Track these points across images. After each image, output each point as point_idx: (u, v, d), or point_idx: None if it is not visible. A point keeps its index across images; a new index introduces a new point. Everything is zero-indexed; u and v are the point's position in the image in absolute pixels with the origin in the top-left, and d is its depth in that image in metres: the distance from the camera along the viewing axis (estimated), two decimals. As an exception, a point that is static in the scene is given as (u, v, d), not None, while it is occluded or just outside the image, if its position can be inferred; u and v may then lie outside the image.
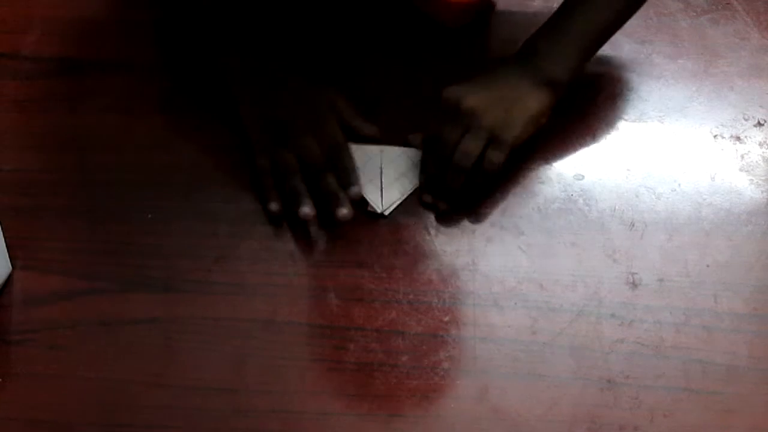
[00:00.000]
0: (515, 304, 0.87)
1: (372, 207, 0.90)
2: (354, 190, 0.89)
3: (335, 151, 0.90)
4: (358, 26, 1.02)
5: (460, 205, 0.91)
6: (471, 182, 0.89)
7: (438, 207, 0.91)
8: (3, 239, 0.86)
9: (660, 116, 0.98)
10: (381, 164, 0.92)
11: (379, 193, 0.91)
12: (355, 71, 0.99)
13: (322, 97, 0.92)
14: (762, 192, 0.94)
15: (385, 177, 0.91)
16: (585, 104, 0.99)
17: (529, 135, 0.89)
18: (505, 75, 0.90)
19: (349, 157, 0.90)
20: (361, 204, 0.90)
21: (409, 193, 0.92)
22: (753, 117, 0.99)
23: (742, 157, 0.96)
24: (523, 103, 0.89)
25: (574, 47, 0.91)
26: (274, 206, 0.90)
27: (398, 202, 0.91)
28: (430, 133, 0.90)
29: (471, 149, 0.87)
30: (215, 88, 0.96)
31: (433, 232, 0.91)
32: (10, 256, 0.87)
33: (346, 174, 0.89)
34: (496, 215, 0.92)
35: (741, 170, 0.95)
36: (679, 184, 0.94)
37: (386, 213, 0.90)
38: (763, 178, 0.95)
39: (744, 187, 0.94)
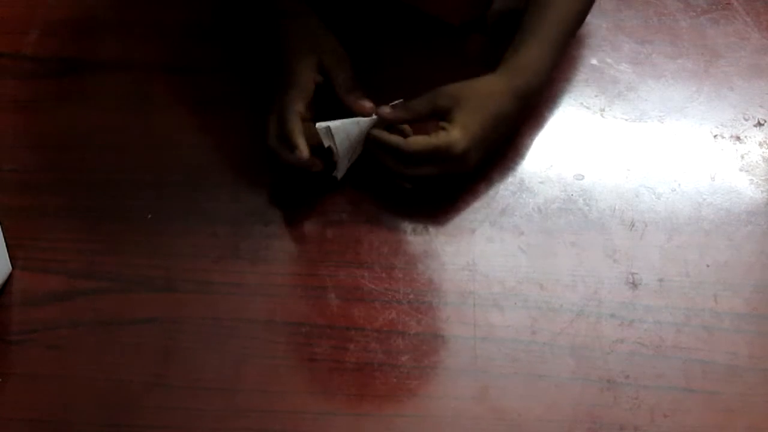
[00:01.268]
0: (515, 304, 0.87)
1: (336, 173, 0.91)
2: (299, 154, 0.88)
3: (283, 128, 0.89)
4: (359, 25, 1.02)
5: (458, 205, 0.92)
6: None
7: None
8: (3, 239, 0.86)
9: (660, 116, 0.99)
10: (350, 139, 0.90)
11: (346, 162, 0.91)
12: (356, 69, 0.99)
13: (309, 60, 0.91)
14: (762, 192, 0.94)
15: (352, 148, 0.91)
16: (584, 104, 0.99)
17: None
18: (497, 97, 0.90)
19: (294, 137, 0.88)
20: (328, 168, 0.90)
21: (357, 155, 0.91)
22: (753, 117, 0.99)
23: (742, 157, 0.96)
24: (502, 132, 0.92)
25: (553, 61, 0.94)
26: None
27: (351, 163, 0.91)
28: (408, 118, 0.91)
29: (422, 148, 0.88)
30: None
31: (433, 232, 0.91)
32: (10, 256, 0.87)
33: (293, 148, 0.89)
34: (496, 215, 0.92)
35: (741, 170, 0.95)
36: (679, 184, 0.94)
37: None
38: (763, 178, 0.95)
39: (744, 187, 0.94)
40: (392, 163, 0.90)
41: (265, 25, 0.96)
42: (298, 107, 0.89)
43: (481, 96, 0.90)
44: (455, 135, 0.88)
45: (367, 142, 0.90)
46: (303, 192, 0.92)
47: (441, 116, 0.89)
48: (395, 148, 0.89)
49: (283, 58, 0.92)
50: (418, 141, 0.88)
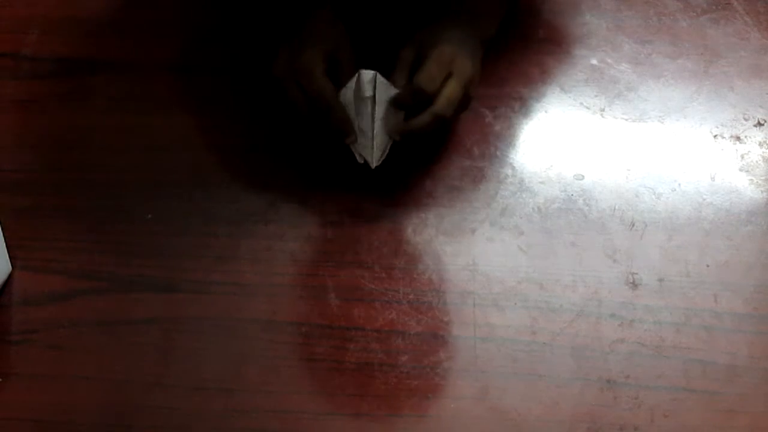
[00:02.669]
0: (515, 304, 0.87)
1: (363, 159, 0.90)
2: (348, 140, 0.89)
3: (321, 105, 0.88)
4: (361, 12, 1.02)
5: (460, 205, 0.92)
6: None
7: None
8: (3, 239, 0.86)
9: (660, 116, 0.98)
10: (373, 113, 0.89)
11: (371, 145, 0.89)
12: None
13: (321, 47, 0.90)
14: (762, 192, 0.94)
15: (376, 127, 0.89)
16: (584, 104, 0.99)
17: None
18: (466, 37, 0.91)
19: (337, 110, 0.88)
20: (349, 154, 0.90)
21: (392, 141, 0.90)
22: (753, 117, 0.99)
23: (742, 157, 0.96)
24: (479, 67, 0.91)
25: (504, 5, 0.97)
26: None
27: (387, 152, 0.90)
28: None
29: (455, 98, 0.87)
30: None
31: (433, 232, 0.91)
32: (10, 256, 0.87)
33: (336, 127, 0.88)
34: (496, 215, 0.92)
35: (741, 170, 0.95)
36: (679, 184, 0.94)
37: (379, 165, 0.90)
38: (763, 178, 0.95)
39: (744, 187, 0.94)
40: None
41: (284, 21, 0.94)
42: (323, 64, 0.88)
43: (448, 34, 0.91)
44: (461, 61, 0.88)
45: (410, 134, 0.89)
46: (303, 191, 0.93)
47: (425, 48, 0.89)
48: (440, 119, 0.88)
49: (297, 36, 0.91)
50: (449, 98, 0.87)
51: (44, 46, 1.02)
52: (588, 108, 0.99)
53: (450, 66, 0.88)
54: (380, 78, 0.88)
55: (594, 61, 1.02)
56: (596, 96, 1.00)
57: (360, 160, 0.90)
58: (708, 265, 0.89)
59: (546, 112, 0.98)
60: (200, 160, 0.95)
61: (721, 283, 0.88)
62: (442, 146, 0.95)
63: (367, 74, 0.87)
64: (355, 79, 0.88)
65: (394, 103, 0.88)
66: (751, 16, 1.06)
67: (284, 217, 0.91)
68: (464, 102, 0.89)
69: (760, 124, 0.98)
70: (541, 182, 0.94)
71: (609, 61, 1.02)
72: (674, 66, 1.02)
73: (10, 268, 0.87)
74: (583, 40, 1.03)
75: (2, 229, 0.87)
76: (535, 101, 0.99)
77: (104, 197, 0.92)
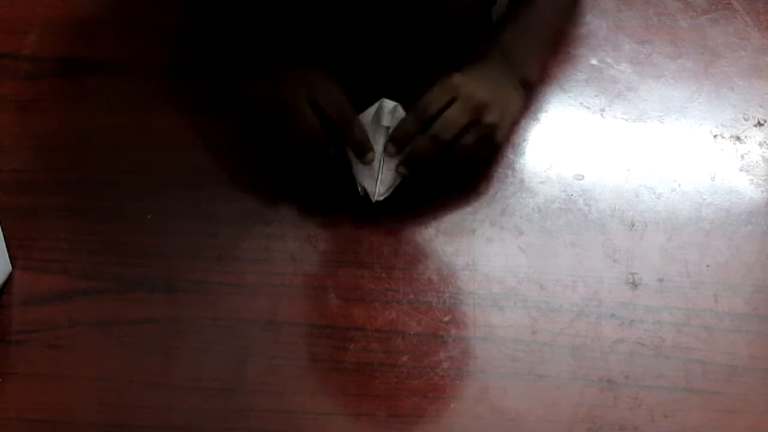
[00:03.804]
0: (515, 304, 0.87)
1: (365, 193, 0.90)
2: (368, 157, 0.88)
3: (342, 122, 0.88)
4: (367, 19, 1.02)
5: (458, 204, 0.92)
6: (447, 162, 0.89)
7: (401, 172, 0.89)
8: (3, 239, 0.86)
9: (660, 116, 0.98)
10: (386, 145, 0.89)
11: (374, 178, 0.89)
12: (360, 62, 0.98)
13: (321, 81, 0.89)
14: (762, 192, 0.94)
15: (382, 161, 0.89)
16: (584, 104, 0.99)
17: (509, 131, 0.92)
18: (489, 72, 0.91)
19: (359, 129, 0.88)
20: (352, 186, 0.90)
21: (401, 179, 0.90)
22: (753, 117, 0.99)
23: (742, 157, 0.96)
24: (506, 101, 0.91)
25: (546, 49, 0.97)
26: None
27: (392, 189, 0.90)
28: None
29: (454, 120, 0.87)
30: (226, 63, 0.96)
31: (433, 232, 0.91)
32: (10, 256, 0.87)
33: (358, 148, 0.88)
34: (496, 215, 0.92)
35: (741, 170, 0.95)
36: (679, 184, 0.94)
37: (379, 200, 0.90)
38: (763, 178, 0.95)
39: (744, 187, 0.94)
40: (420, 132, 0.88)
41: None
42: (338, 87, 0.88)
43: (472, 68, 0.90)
44: (469, 86, 0.87)
45: (413, 161, 0.89)
46: (304, 192, 0.92)
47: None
48: (438, 141, 0.87)
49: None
50: (447, 118, 0.86)
51: (44, 46, 1.02)
52: (588, 108, 0.99)
53: (455, 91, 0.87)
54: (400, 110, 0.87)
55: (594, 61, 1.02)
56: (596, 96, 1.00)
57: (361, 193, 0.90)
58: (708, 265, 0.89)
59: (546, 112, 0.98)
60: (200, 160, 0.95)
61: (721, 283, 0.88)
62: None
63: (389, 104, 0.87)
64: (376, 106, 0.88)
65: (397, 132, 0.88)
66: (751, 16, 1.06)
67: (284, 217, 0.91)
68: (482, 132, 0.88)
69: (760, 124, 0.98)
70: (541, 182, 0.94)
71: (609, 61, 1.02)
72: (674, 66, 1.02)
73: (10, 268, 0.87)
74: (583, 40, 1.03)
75: (2, 229, 0.87)
76: (535, 101, 0.99)
77: (104, 197, 0.92)
